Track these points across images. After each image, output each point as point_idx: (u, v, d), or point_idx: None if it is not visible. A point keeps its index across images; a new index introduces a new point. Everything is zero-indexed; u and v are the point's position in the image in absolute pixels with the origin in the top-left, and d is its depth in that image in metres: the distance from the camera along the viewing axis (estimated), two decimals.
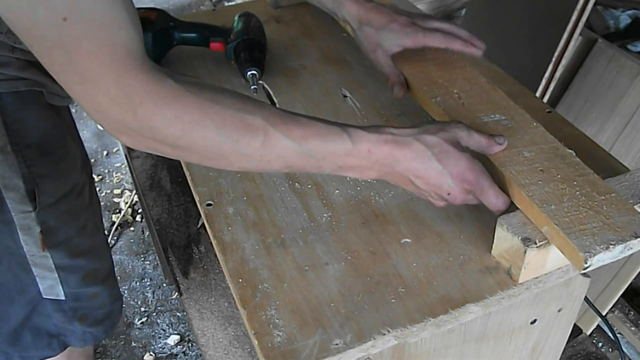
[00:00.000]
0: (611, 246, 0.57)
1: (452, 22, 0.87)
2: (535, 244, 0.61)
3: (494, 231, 0.66)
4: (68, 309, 0.94)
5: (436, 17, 0.87)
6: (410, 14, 0.84)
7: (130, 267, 1.94)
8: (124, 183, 2.26)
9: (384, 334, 0.60)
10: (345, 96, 0.96)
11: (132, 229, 2.07)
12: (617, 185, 0.68)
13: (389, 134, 0.63)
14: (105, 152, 2.39)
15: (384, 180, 0.67)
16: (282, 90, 0.98)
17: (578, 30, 1.66)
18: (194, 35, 1.02)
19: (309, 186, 0.78)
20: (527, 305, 0.71)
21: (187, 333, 1.73)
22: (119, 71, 0.52)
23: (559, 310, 0.76)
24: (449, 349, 0.69)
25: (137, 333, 1.74)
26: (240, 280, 0.66)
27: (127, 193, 2.20)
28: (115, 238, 2.03)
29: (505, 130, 0.73)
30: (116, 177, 2.28)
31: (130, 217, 2.10)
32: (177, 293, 1.59)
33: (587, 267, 0.57)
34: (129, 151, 1.46)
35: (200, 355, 1.43)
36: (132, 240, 2.03)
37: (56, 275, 0.89)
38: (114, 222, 2.07)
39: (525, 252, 0.61)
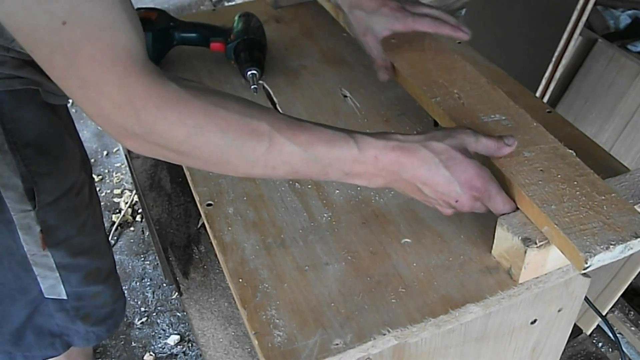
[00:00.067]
0: (611, 246, 0.57)
1: (440, 9, 0.88)
2: (536, 244, 0.61)
3: (494, 231, 0.66)
4: (70, 308, 0.94)
5: (425, 4, 0.88)
6: None
7: (130, 267, 1.94)
8: (124, 183, 2.26)
9: (384, 334, 0.60)
10: (345, 96, 0.96)
11: (132, 229, 2.07)
12: (617, 185, 0.68)
13: (395, 140, 0.62)
14: (105, 152, 2.39)
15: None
16: (282, 90, 0.98)
17: (578, 30, 1.65)
18: (194, 35, 1.02)
19: (309, 186, 0.78)
20: (527, 305, 0.71)
21: (187, 333, 1.73)
22: (121, 74, 0.51)
23: (559, 310, 0.76)
24: (449, 349, 0.69)
25: (137, 333, 1.74)
26: (240, 280, 0.66)
27: (127, 193, 2.20)
28: (115, 238, 2.03)
29: (505, 130, 0.73)
30: (116, 177, 2.28)
31: (130, 217, 2.10)
32: (177, 293, 1.59)
33: (587, 267, 0.57)
34: (129, 151, 1.46)
35: (200, 355, 1.43)
36: (132, 240, 2.03)
37: (57, 274, 0.89)
38: (114, 222, 2.07)
39: (525, 252, 0.61)
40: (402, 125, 0.90)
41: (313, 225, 0.73)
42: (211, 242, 0.78)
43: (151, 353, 1.68)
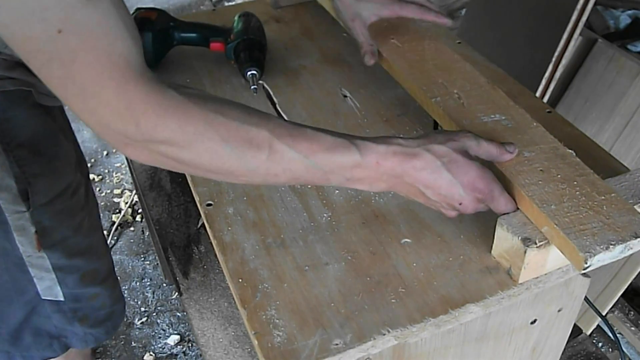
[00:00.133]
0: (611, 246, 0.57)
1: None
2: (535, 244, 0.61)
3: (494, 231, 0.66)
4: (68, 309, 0.94)
5: None
6: None
7: (130, 267, 1.94)
8: (124, 183, 2.26)
9: (384, 334, 0.60)
10: (345, 96, 0.96)
11: (132, 229, 2.07)
12: (617, 185, 0.68)
13: (397, 145, 0.62)
14: (105, 152, 2.39)
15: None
16: (282, 90, 0.98)
17: (578, 30, 1.65)
18: (194, 35, 1.02)
19: (309, 186, 0.78)
20: (527, 305, 0.71)
21: (187, 333, 1.73)
22: (119, 82, 0.51)
23: (559, 310, 0.76)
24: (449, 349, 0.69)
25: (137, 333, 1.74)
26: (240, 280, 0.66)
27: (127, 193, 2.20)
28: (115, 238, 2.03)
29: (505, 130, 0.73)
30: (116, 177, 2.28)
31: (130, 217, 2.10)
32: (177, 293, 1.59)
33: (587, 267, 0.57)
34: None
35: (200, 355, 1.43)
36: (132, 240, 2.02)
37: (54, 275, 0.89)
38: (114, 222, 2.07)
39: (525, 252, 0.61)
40: (402, 125, 0.90)
41: (313, 225, 0.73)
42: (211, 242, 0.78)
43: (151, 353, 1.68)
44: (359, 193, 0.77)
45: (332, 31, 1.12)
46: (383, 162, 0.61)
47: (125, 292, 1.86)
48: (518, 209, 0.65)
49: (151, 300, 1.83)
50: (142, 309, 1.81)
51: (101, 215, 2.10)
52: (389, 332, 0.60)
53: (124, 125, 0.53)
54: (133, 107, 0.52)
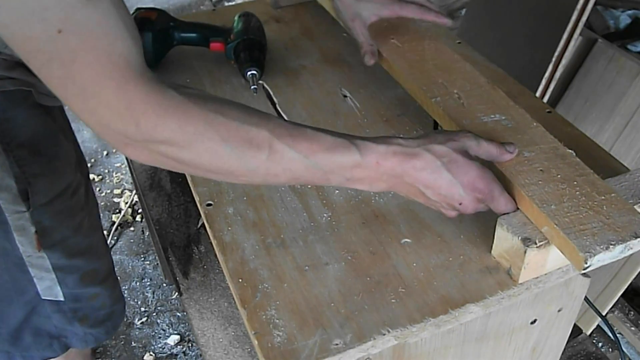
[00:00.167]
0: (611, 246, 0.57)
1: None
2: (535, 244, 0.61)
3: (494, 231, 0.66)
4: (68, 310, 0.94)
5: None
6: None
7: (130, 267, 1.94)
8: (124, 183, 2.26)
9: (384, 334, 0.60)
10: (345, 96, 0.96)
11: (132, 229, 2.07)
12: (617, 185, 0.68)
13: (397, 145, 0.62)
14: (105, 152, 2.39)
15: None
16: (282, 90, 0.98)
17: (578, 30, 1.65)
18: (194, 35, 1.02)
19: (309, 186, 0.78)
20: (527, 305, 0.71)
21: (187, 333, 1.73)
22: (119, 82, 0.51)
23: (559, 310, 0.76)
24: (449, 349, 0.69)
25: (137, 333, 1.74)
26: (240, 280, 0.66)
27: (127, 193, 2.20)
28: (115, 238, 2.03)
29: (505, 130, 0.73)
30: (116, 177, 2.28)
31: (130, 217, 2.10)
32: (177, 293, 1.59)
33: (587, 267, 0.57)
34: None
35: (200, 355, 1.43)
36: (132, 240, 2.03)
37: (54, 275, 0.89)
38: (114, 222, 2.07)
39: (525, 252, 0.61)
40: (402, 125, 0.90)
41: (313, 225, 0.73)
42: (211, 242, 0.78)
43: (151, 353, 1.68)
44: (359, 193, 0.77)
45: (332, 31, 1.12)
46: (383, 162, 0.61)
47: (125, 292, 1.86)
48: (518, 209, 0.65)
49: (151, 300, 1.83)
50: (142, 309, 1.81)
51: (101, 215, 2.09)
52: (389, 332, 0.60)
53: (124, 125, 0.53)
54: (133, 107, 0.52)
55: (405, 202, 0.75)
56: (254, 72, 0.95)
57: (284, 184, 0.68)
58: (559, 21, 1.66)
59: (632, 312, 1.62)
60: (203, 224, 1.25)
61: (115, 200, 2.18)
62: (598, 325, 1.59)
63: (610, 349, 1.65)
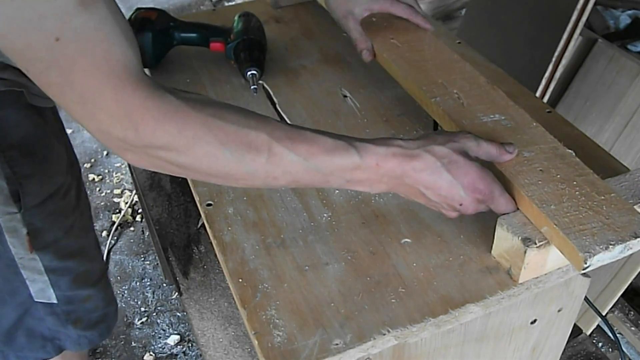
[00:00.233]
0: (611, 246, 0.57)
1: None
2: (535, 244, 0.61)
3: (494, 231, 0.66)
4: (61, 312, 0.93)
5: None
6: None
7: (130, 267, 1.94)
8: (124, 183, 2.26)
9: (384, 334, 0.60)
10: (345, 96, 0.96)
11: (132, 229, 2.07)
12: (617, 185, 0.68)
13: (397, 146, 0.61)
14: (105, 152, 2.39)
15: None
16: (282, 90, 0.98)
17: (578, 30, 1.65)
18: (194, 35, 1.02)
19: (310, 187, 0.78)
20: (527, 305, 0.71)
21: (187, 333, 1.73)
22: (117, 88, 0.51)
23: (559, 310, 0.76)
24: (449, 349, 0.69)
25: (137, 333, 1.74)
26: (240, 280, 0.66)
27: (127, 193, 2.20)
28: (115, 238, 2.03)
29: (504, 131, 0.73)
30: (116, 177, 2.28)
31: (130, 217, 2.10)
32: (177, 293, 1.59)
33: (587, 267, 0.57)
34: None
35: (200, 355, 1.43)
36: (132, 240, 2.03)
37: (46, 278, 0.88)
38: (114, 222, 2.07)
39: (525, 252, 0.61)
40: (402, 125, 0.90)
41: (313, 225, 0.73)
42: (211, 242, 0.78)
43: (151, 353, 1.68)
44: (359, 193, 0.77)
45: (332, 31, 1.12)
46: (383, 163, 0.61)
47: (125, 292, 1.86)
48: (518, 209, 0.65)
49: (151, 300, 1.83)
50: (142, 309, 1.81)
51: (101, 215, 2.10)
52: (389, 332, 0.60)
53: (123, 131, 0.53)
54: (131, 112, 0.52)
55: (405, 202, 0.75)
56: (254, 72, 0.95)
57: (284, 187, 0.68)
58: (559, 21, 1.66)
59: (632, 312, 1.62)
60: (203, 224, 1.25)
61: (115, 200, 2.18)
62: (598, 325, 1.59)
63: (610, 349, 1.65)
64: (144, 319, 1.78)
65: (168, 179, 1.39)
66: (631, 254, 0.60)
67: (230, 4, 2.35)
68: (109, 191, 2.22)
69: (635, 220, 0.60)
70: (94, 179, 2.27)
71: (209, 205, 0.76)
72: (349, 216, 0.74)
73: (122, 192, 2.22)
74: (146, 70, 1.04)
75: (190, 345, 1.70)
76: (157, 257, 1.91)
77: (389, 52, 0.89)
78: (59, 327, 0.95)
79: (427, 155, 0.61)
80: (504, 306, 0.66)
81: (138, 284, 1.88)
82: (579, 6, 1.61)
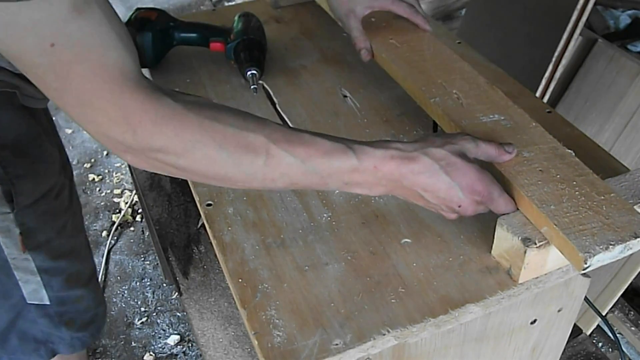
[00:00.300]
0: (611, 246, 0.57)
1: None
2: (535, 244, 0.61)
3: (494, 231, 0.66)
4: (54, 313, 0.93)
5: None
6: None
7: (130, 267, 1.94)
8: (124, 183, 2.26)
9: (384, 334, 0.60)
10: (345, 96, 0.96)
11: (132, 229, 2.07)
12: (617, 185, 0.68)
13: (395, 149, 0.62)
14: (105, 152, 2.39)
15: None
16: (282, 90, 0.98)
17: (578, 30, 1.65)
18: (194, 35, 1.02)
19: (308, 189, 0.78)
20: (527, 305, 0.71)
21: (187, 333, 1.73)
22: (114, 92, 0.52)
23: (559, 310, 0.76)
24: (449, 349, 0.69)
25: (137, 333, 1.74)
26: (240, 280, 0.66)
27: (127, 193, 2.20)
28: (115, 238, 2.03)
29: (504, 131, 0.73)
30: (116, 177, 2.28)
31: (130, 217, 2.10)
32: (177, 293, 1.59)
33: (587, 268, 0.57)
34: None
35: (200, 355, 1.43)
36: (132, 240, 2.03)
37: (39, 278, 0.88)
38: (114, 222, 2.07)
39: (525, 252, 0.61)
40: (401, 125, 0.90)
41: (313, 225, 0.73)
42: (211, 242, 0.78)
43: (151, 353, 1.68)
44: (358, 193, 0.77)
45: (332, 31, 1.12)
46: (381, 166, 0.61)
47: (125, 292, 1.86)
48: (518, 209, 0.65)
49: (151, 300, 1.83)
50: (142, 309, 1.81)
51: (101, 215, 2.10)
52: (389, 332, 0.60)
53: (121, 134, 0.54)
54: (129, 116, 0.53)
55: (405, 202, 0.75)
56: (254, 72, 0.95)
57: (282, 189, 0.68)
58: (559, 21, 1.66)
59: (632, 312, 1.62)
60: (203, 224, 1.25)
61: (115, 200, 2.18)
62: (598, 325, 1.59)
63: (610, 349, 1.65)
64: (144, 319, 1.78)
65: (168, 179, 1.39)
66: (631, 254, 0.60)
67: (230, 4, 2.35)
68: (109, 191, 2.22)
69: (635, 220, 0.60)
70: (94, 179, 2.27)
71: (209, 205, 0.76)
72: (349, 216, 0.74)
73: (122, 192, 2.22)
74: (146, 70, 1.04)
75: (190, 345, 1.70)
76: (157, 257, 1.91)
77: (388, 53, 0.89)
78: (52, 330, 0.95)
79: (425, 158, 0.61)
80: (504, 306, 0.66)
81: (138, 284, 1.88)
82: (579, 6, 1.61)
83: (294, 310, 0.63)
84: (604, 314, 1.55)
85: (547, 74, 1.73)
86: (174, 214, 1.30)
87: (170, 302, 1.82)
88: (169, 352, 1.69)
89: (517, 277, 0.64)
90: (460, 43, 1.08)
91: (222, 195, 0.78)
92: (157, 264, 1.92)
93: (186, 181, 0.84)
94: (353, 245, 0.70)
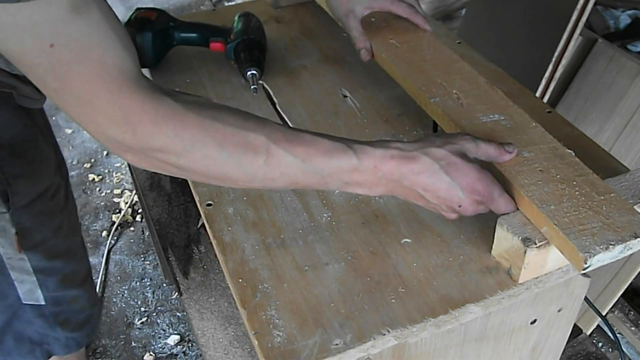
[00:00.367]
0: (611, 246, 0.57)
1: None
2: (535, 244, 0.61)
3: (494, 231, 0.66)
4: (49, 314, 0.93)
5: None
6: None
7: (130, 267, 1.94)
8: (124, 183, 2.26)
9: (384, 334, 0.60)
10: (345, 96, 0.96)
11: (132, 229, 2.07)
12: (617, 185, 0.68)
13: (395, 148, 0.61)
14: (105, 152, 2.39)
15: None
16: (282, 90, 0.98)
17: (578, 30, 1.65)
18: (194, 35, 1.02)
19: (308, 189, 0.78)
20: (527, 305, 0.71)
21: (187, 333, 1.73)
22: (114, 91, 0.52)
23: (559, 310, 0.76)
24: (449, 349, 0.69)
25: (137, 333, 1.74)
26: (240, 280, 0.66)
27: (127, 193, 2.20)
28: (115, 238, 2.03)
29: (504, 131, 0.73)
30: (116, 177, 2.28)
31: (130, 217, 2.10)
32: (177, 293, 1.59)
33: (587, 268, 0.57)
34: None
35: (200, 355, 1.43)
36: (132, 240, 2.03)
37: (34, 278, 0.88)
38: (114, 222, 2.07)
39: (525, 252, 0.61)
40: (402, 125, 0.90)
41: (313, 225, 0.73)
42: (211, 242, 0.78)
43: (151, 353, 1.68)
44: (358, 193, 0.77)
45: (332, 31, 1.12)
46: (381, 165, 0.61)
47: (125, 292, 1.86)
48: (518, 209, 0.65)
49: (151, 300, 1.83)
50: (142, 309, 1.81)
51: (101, 215, 2.10)
52: (389, 332, 0.60)
53: (121, 134, 0.54)
54: (129, 116, 0.53)
55: (405, 202, 0.75)
56: (254, 72, 0.95)
57: (283, 189, 0.68)
58: (559, 21, 1.66)
59: (632, 312, 1.62)
60: (203, 224, 1.25)
61: (115, 200, 2.18)
62: (598, 325, 1.59)
63: (610, 349, 1.65)
64: (144, 319, 1.78)
65: (168, 179, 1.39)
66: (631, 254, 0.60)
67: (230, 4, 2.35)
68: (109, 191, 2.22)
69: (635, 220, 0.60)
70: (94, 179, 2.27)
71: (209, 205, 0.76)
72: (349, 216, 0.74)
73: (122, 192, 2.21)
74: (146, 70, 1.04)
75: (190, 345, 1.70)
76: (157, 257, 1.91)
77: (388, 53, 0.89)
78: (48, 330, 0.95)
79: (425, 158, 0.61)
80: (504, 306, 0.66)
81: (138, 284, 1.88)
82: (579, 6, 1.61)
83: (294, 310, 0.63)
84: (604, 314, 1.55)
85: (547, 74, 1.73)
86: (174, 214, 1.30)
87: (170, 302, 1.82)
88: (169, 352, 1.69)
89: (517, 277, 0.64)
90: (460, 43, 1.08)
91: (222, 195, 0.78)
92: (157, 264, 1.92)
93: (186, 181, 0.84)
94: (353, 245, 0.70)
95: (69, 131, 2.43)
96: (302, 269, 0.67)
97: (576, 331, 1.13)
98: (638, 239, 0.58)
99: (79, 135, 2.41)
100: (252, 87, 0.94)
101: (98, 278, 1.88)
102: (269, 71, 1.01)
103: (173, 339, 1.71)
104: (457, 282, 0.65)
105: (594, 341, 1.66)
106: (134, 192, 2.17)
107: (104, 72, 0.51)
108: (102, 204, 2.16)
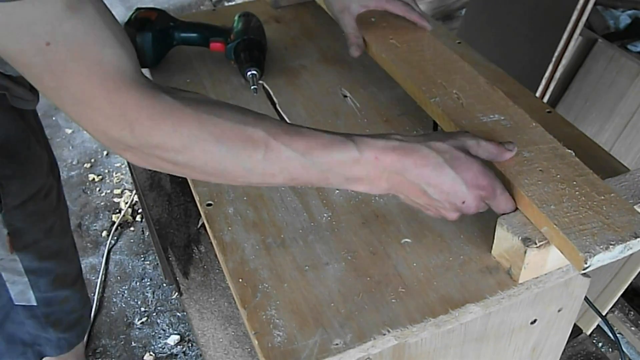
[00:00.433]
0: (611, 246, 0.57)
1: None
2: (535, 244, 0.61)
3: (494, 231, 0.66)
4: (41, 314, 0.93)
5: None
6: None
7: (130, 267, 1.94)
8: (124, 183, 2.26)
9: (384, 334, 0.60)
10: (345, 96, 0.96)
11: (132, 229, 2.07)
12: (617, 185, 0.68)
13: (396, 140, 0.60)
14: (105, 152, 2.39)
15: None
16: (282, 90, 0.98)
17: (578, 30, 1.65)
18: (194, 35, 1.02)
19: (309, 186, 0.78)
20: (527, 305, 0.71)
21: (187, 333, 1.73)
22: (111, 89, 0.52)
23: (559, 310, 0.76)
24: (449, 349, 0.69)
25: (137, 333, 1.74)
26: (240, 280, 0.66)
27: (127, 193, 2.20)
28: (115, 238, 2.03)
29: (504, 131, 0.73)
30: (116, 177, 2.28)
31: (130, 217, 2.10)
32: (177, 293, 1.59)
33: (587, 268, 0.57)
34: None
35: (200, 355, 1.43)
36: (132, 240, 2.03)
37: (26, 279, 0.88)
38: (114, 222, 2.07)
39: (525, 252, 0.61)
40: (402, 125, 0.90)
41: (313, 225, 0.73)
42: (211, 242, 0.78)
43: (151, 353, 1.68)
44: (359, 193, 0.77)
45: (332, 31, 1.12)
46: (382, 157, 0.59)
47: (125, 292, 1.86)
48: (517, 209, 0.65)
49: (151, 300, 1.83)
50: (142, 309, 1.81)
51: (101, 215, 2.10)
52: (389, 332, 0.60)
53: (119, 132, 0.53)
54: (126, 113, 0.53)
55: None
56: (254, 72, 0.95)
57: (283, 185, 0.67)
58: (559, 21, 1.66)
59: (632, 312, 1.62)
60: (203, 224, 1.25)
61: (115, 200, 2.18)
62: (598, 325, 1.59)
63: (610, 349, 1.65)
64: (144, 319, 1.78)
65: (168, 179, 1.39)
66: (631, 254, 0.60)
67: (230, 4, 2.35)
68: (109, 191, 2.22)
69: (635, 220, 0.60)
70: (94, 179, 2.27)
71: (209, 205, 0.76)
72: (349, 216, 0.74)
73: (122, 192, 2.21)
74: (146, 70, 1.04)
75: (190, 345, 1.70)
76: (157, 257, 1.91)
77: (388, 53, 0.89)
78: (39, 331, 0.95)
79: (428, 150, 0.59)
80: (504, 306, 0.66)
81: (138, 284, 1.88)
82: (579, 6, 1.61)
83: (294, 310, 0.63)
84: (604, 314, 1.55)
85: (547, 74, 1.73)
86: (174, 214, 1.30)
87: (170, 302, 1.82)
88: (169, 352, 1.69)
89: (517, 277, 0.64)
90: (460, 43, 1.08)
91: (222, 195, 0.78)
92: (157, 264, 1.92)
93: (186, 181, 0.84)
94: (353, 245, 0.70)
95: (69, 131, 2.43)
96: (302, 269, 0.67)
97: (576, 331, 1.13)
98: (638, 239, 0.58)
99: (79, 135, 2.41)
100: (252, 87, 0.94)
101: (98, 278, 1.88)
102: (269, 71, 1.01)
103: (173, 339, 1.71)
104: (457, 282, 0.65)
105: (594, 341, 1.66)
106: (134, 192, 2.17)
107: (101, 71, 0.51)
108: (102, 204, 2.16)
